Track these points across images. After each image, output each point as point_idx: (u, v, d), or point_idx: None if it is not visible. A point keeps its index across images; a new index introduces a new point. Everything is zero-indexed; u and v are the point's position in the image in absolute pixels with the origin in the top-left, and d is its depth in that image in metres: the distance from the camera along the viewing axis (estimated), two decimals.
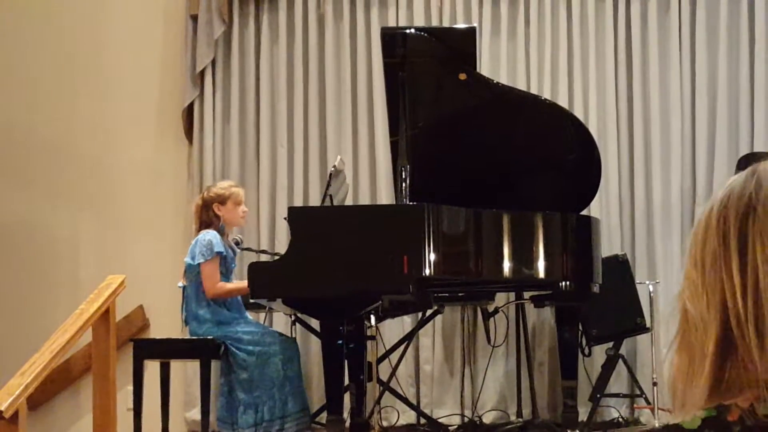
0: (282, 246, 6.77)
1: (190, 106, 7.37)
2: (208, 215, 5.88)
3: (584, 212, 6.22)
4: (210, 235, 5.79)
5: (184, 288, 5.91)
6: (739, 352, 1.16)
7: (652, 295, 6.57)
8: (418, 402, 6.99)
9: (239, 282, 5.91)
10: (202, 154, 7.32)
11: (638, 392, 6.57)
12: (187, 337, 5.90)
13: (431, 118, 6.03)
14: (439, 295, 6.26)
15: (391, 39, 5.95)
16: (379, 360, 6.44)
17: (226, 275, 5.85)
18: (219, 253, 5.77)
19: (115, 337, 5.29)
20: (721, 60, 7.03)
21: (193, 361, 6.08)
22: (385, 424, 6.72)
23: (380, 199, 7.13)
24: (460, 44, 5.96)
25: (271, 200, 7.28)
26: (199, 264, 5.77)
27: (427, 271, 5.27)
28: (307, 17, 7.32)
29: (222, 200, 5.88)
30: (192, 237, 5.98)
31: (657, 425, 1.34)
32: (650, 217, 7.01)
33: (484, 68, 6.92)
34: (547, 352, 6.93)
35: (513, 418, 6.80)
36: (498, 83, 6.28)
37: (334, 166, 5.94)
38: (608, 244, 6.77)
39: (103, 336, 5.14)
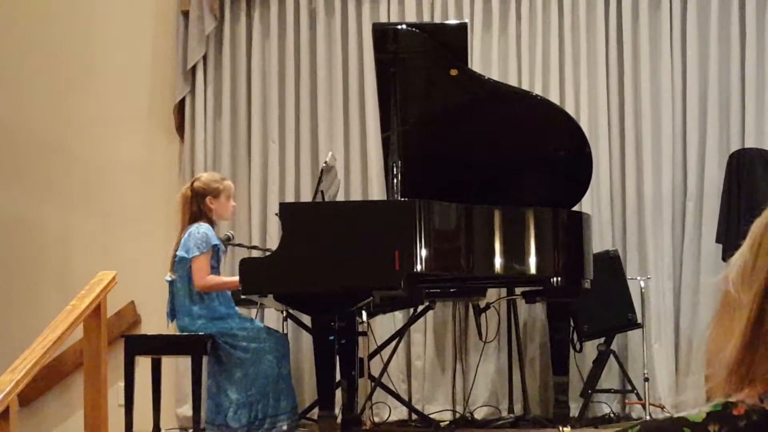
0: (273, 242, 6.77)
1: (182, 102, 7.37)
2: (198, 207, 5.80)
3: (575, 208, 6.22)
4: (204, 227, 5.72)
5: (172, 282, 5.84)
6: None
7: (643, 290, 6.59)
8: (410, 398, 6.99)
9: (230, 277, 5.88)
10: (194, 150, 7.32)
11: (629, 388, 6.57)
12: (175, 332, 5.87)
13: (422, 113, 6.03)
14: (431, 290, 6.26)
15: (383, 35, 5.94)
16: (371, 356, 6.45)
17: (217, 268, 5.81)
18: (214, 246, 5.73)
19: (107, 333, 5.28)
20: (712, 55, 7.04)
21: (184, 357, 6.07)
22: (376, 420, 6.73)
23: (372, 195, 7.13)
24: (451, 40, 5.96)
25: (262, 196, 7.28)
26: (193, 257, 5.71)
27: (419, 267, 5.27)
28: (298, 13, 7.32)
29: (216, 193, 5.82)
30: (175, 229, 5.88)
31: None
32: (641, 213, 7.02)
33: (476, 64, 6.92)
34: (538, 347, 6.94)
35: (504, 413, 6.80)
36: (489, 79, 6.27)
37: (326, 162, 5.93)
38: (599, 240, 6.78)
39: (95, 332, 5.13)
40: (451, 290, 6.52)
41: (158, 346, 5.90)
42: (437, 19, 7.15)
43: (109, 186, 7.43)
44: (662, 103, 7.05)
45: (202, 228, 5.71)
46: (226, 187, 5.86)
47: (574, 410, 6.41)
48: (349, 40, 7.29)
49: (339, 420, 5.94)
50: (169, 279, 5.82)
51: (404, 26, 6.09)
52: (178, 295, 5.78)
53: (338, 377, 5.83)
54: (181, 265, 5.73)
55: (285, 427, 5.63)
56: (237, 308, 5.95)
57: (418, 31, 5.97)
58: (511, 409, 6.81)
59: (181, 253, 5.73)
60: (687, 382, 6.68)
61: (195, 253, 5.67)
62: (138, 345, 5.86)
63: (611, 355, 6.54)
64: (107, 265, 5.77)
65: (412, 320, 6.77)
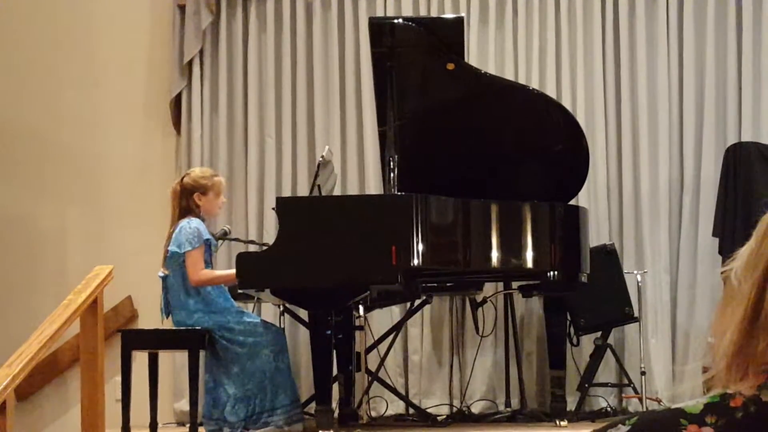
0: (270, 236, 6.76)
1: (178, 97, 7.35)
2: (188, 203, 5.77)
3: (572, 202, 6.22)
4: (195, 222, 5.70)
5: (165, 277, 5.83)
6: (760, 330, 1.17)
7: (639, 284, 6.59)
8: (407, 392, 6.99)
9: (225, 270, 5.86)
10: (190, 145, 7.31)
11: (626, 382, 6.58)
12: (171, 327, 5.86)
13: (419, 108, 6.03)
14: (428, 285, 6.26)
15: (379, 29, 5.94)
16: (368, 350, 6.45)
17: (210, 262, 5.80)
18: (206, 241, 5.71)
19: (103, 328, 5.27)
20: (708, 50, 7.04)
21: (181, 351, 6.06)
22: (373, 414, 6.72)
23: (368, 190, 7.12)
24: (448, 34, 5.96)
25: (259, 190, 7.27)
26: (185, 252, 5.70)
27: (416, 262, 5.27)
28: (294, 7, 7.31)
29: (204, 190, 5.79)
30: (169, 224, 5.88)
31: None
32: (638, 207, 7.02)
33: (472, 58, 6.92)
34: (535, 341, 6.94)
35: (501, 407, 6.81)
36: (486, 73, 6.28)
37: (323, 156, 5.93)
38: (596, 234, 6.78)
39: (91, 326, 5.13)
40: (448, 284, 6.52)
41: (155, 341, 5.90)
42: (434, 13, 7.14)
43: (105, 181, 7.42)
44: (659, 97, 7.05)
45: (193, 223, 5.69)
46: (215, 183, 5.83)
47: (571, 404, 6.41)
48: (345, 35, 7.28)
49: (336, 414, 5.94)
50: (162, 275, 5.80)
51: (401, 20, 6.09)
52: (173, 291, 5.76)
53: (335, 371, 5.84)
54: (174, 260, 5.71)
55: (282, 422, 5.62)
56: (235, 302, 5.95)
57: (414, 25, 5.97)
58: (508, 403, 6.81)
59: (172, 248, 5.71)
60: (684, 370, 6.68)
61: (187, 248, 5.65)
62: (135, 340, 5.85)
63: (608, 349, 6.54)
64: (104, 260, 5.76)
65: (409, 314, 6.76)
